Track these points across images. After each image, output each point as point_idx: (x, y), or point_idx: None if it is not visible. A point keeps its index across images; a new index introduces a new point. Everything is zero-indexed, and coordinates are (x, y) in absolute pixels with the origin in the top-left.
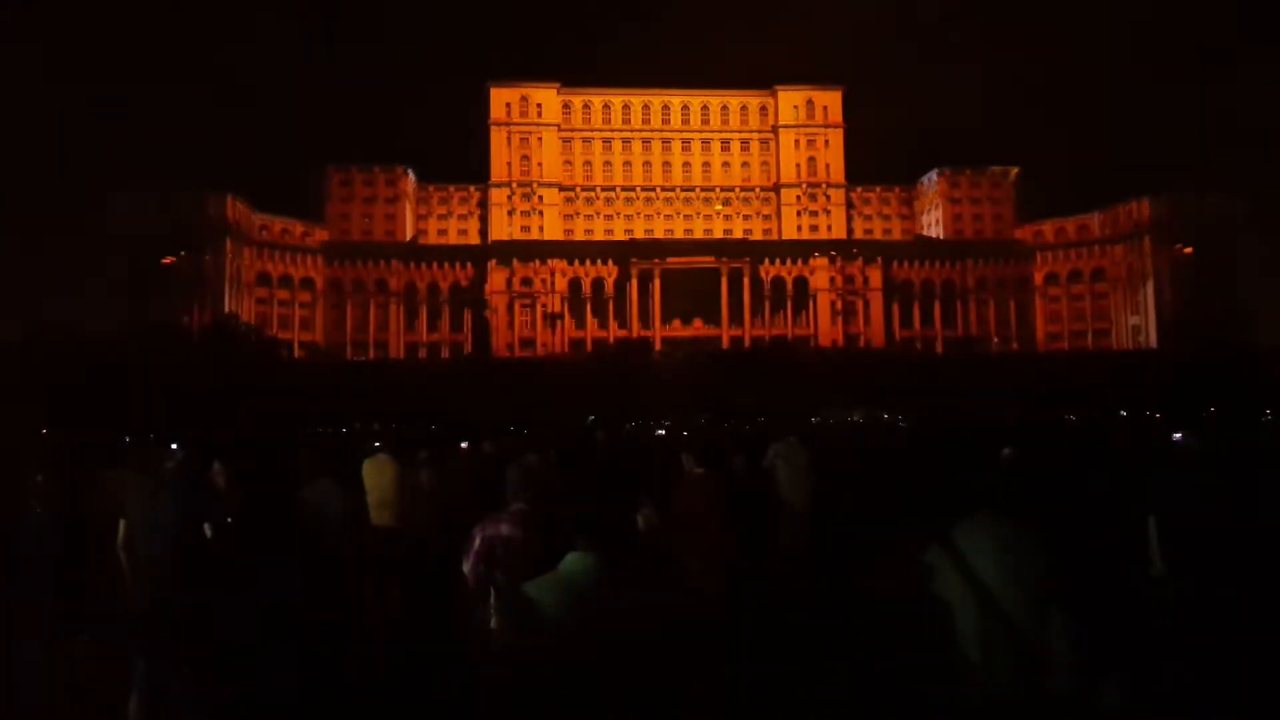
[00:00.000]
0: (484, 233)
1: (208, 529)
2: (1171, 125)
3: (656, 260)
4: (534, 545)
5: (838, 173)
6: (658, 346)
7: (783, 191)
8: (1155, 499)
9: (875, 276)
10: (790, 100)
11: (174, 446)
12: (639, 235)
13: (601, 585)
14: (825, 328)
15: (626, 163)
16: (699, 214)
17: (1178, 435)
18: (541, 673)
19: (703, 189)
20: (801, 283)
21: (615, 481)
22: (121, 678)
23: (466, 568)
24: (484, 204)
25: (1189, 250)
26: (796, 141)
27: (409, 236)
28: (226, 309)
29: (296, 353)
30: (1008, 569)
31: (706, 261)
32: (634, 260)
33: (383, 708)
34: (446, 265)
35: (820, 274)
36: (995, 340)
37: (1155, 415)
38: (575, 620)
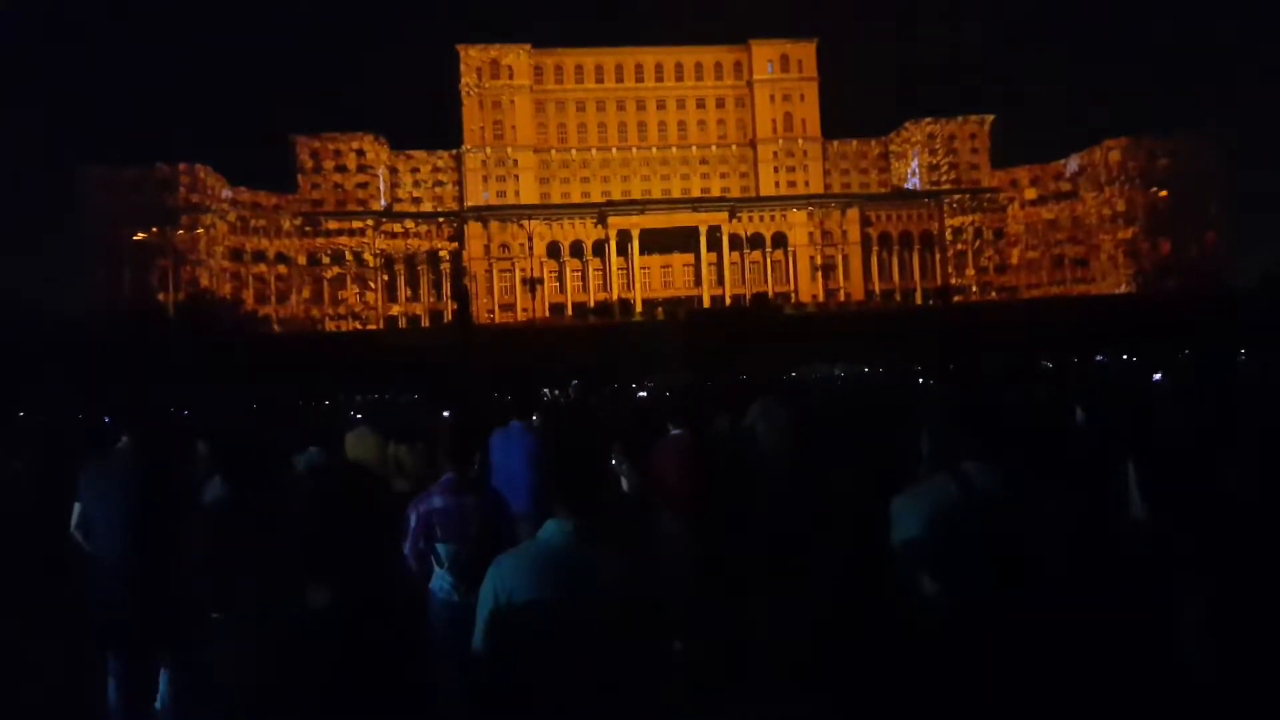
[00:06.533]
0: (460, 199)
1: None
2: (1151, 62)
3: (634, 220)
4: (468, 511)
5: (814, 126)
6: (638, 307)
7: (759, 147)
8: (1134, 441)
9: (853, 230)
10: (764, 55)
11: (122, 427)
12: (616, 197)
13: (581, 551)
14: (805, 283)
15: (601, 124)
16: (676, 173)
17: (1157, 377)
18: (523, 641)
19: (679, 147)
20: (780, 238)
21: (595, 443)
22: (100, 673)
23: (406, 548)
24: (458, 169)
25: (1164, 194)
26: (772, 96)
27: (384, 205)
28: (202, 284)
29: (275, 326)
30: (973, 520)
31: (685, 220)
32: (612, 221)
33: (363, 690)
34: (423, 233)
35: (799, 229)
36: (974, 289)
37: (1132, 359)
38: (556, 587)
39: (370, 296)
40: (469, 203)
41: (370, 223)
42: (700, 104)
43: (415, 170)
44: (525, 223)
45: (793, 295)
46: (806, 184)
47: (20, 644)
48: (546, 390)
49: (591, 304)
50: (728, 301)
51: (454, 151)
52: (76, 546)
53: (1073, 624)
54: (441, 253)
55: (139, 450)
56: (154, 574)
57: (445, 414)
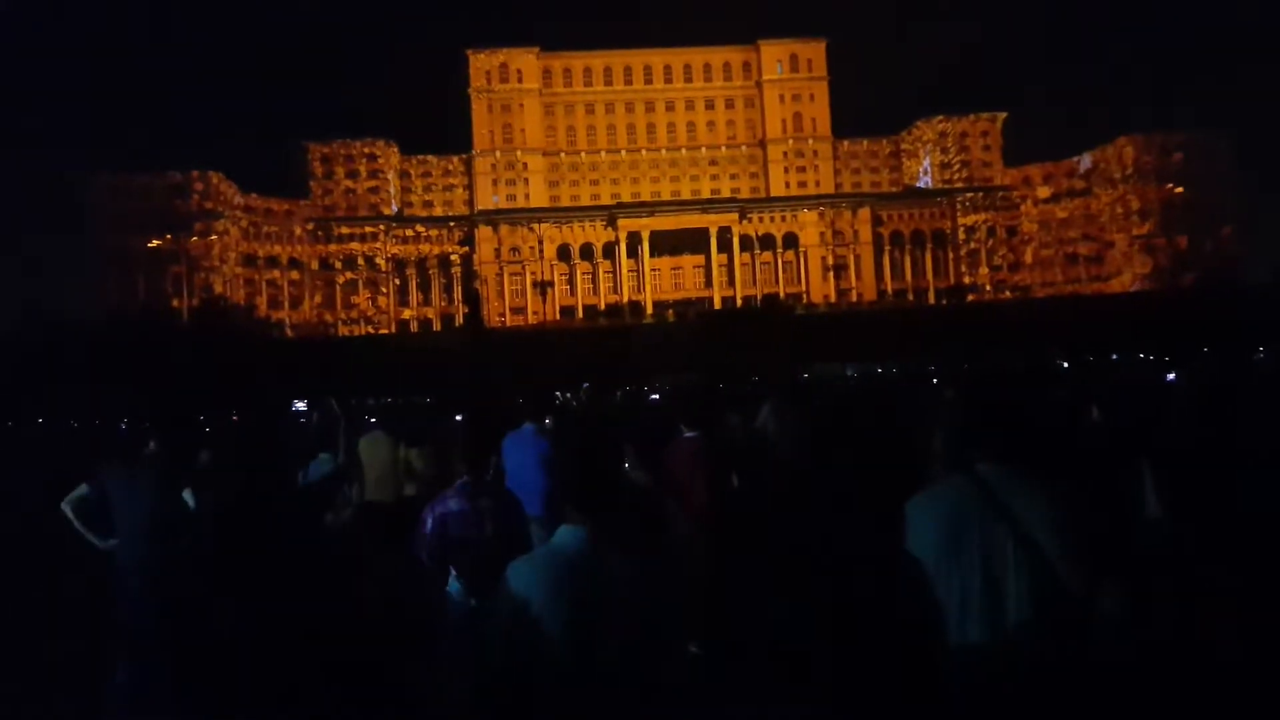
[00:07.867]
0: (470, 202)
1: (190, 502)
2: (1161, 60)
3: (644, 222)
4: (483, 514)
5: (824, 126)
6: (649, 309)
7: (769, 147)
8: (1149, 440)
9: (864, 229)
10: (774, 54)
11: (150, 432)
12: (625, 199)
13: (595, 557)
14: (816, 283)
15: (610, 126)
16: (685, 174)
17: (1171, 376)
18: (537, 647)
19: (688, 149)
20: (791, 239)
21: (608, 447)
22: (103, 673)
23: (421, 551)
24: (469, 173)
25: (1179, 190)
26: (781, 96)
27: (395, 209)
28: (215, 290)
29: (288, 331)
30: (994, 522)
31: (695, 221)
32: (622, 223)
33: (373, 695)
34: (434, 237)
35: (810, 229)
36: (987, 288)
37: (1149, 357)
38: (570, 593)
39: (382, 301)
40: (479, 206)
41: (382, 227)
42: (709, 105)
43: (426, 175)
44: (535, 226)
45: (804, 296)
46: (817, 184)
47: (36, 645)
48: (558, 393)
49: (602, 306)
50: (739, 303)
51: (464, 156)
52: (78, 535)
53: (1087, 624)
54: (452, 256)
55: (167, 455)
56: (177, 577)
57: (458, 418)
